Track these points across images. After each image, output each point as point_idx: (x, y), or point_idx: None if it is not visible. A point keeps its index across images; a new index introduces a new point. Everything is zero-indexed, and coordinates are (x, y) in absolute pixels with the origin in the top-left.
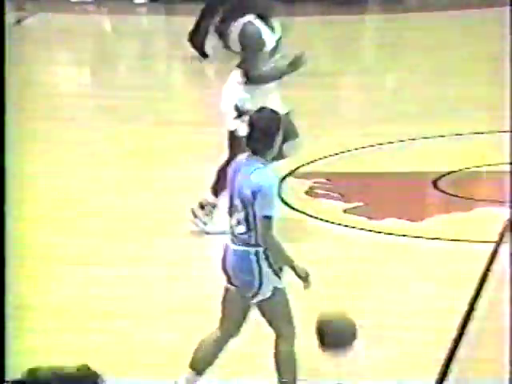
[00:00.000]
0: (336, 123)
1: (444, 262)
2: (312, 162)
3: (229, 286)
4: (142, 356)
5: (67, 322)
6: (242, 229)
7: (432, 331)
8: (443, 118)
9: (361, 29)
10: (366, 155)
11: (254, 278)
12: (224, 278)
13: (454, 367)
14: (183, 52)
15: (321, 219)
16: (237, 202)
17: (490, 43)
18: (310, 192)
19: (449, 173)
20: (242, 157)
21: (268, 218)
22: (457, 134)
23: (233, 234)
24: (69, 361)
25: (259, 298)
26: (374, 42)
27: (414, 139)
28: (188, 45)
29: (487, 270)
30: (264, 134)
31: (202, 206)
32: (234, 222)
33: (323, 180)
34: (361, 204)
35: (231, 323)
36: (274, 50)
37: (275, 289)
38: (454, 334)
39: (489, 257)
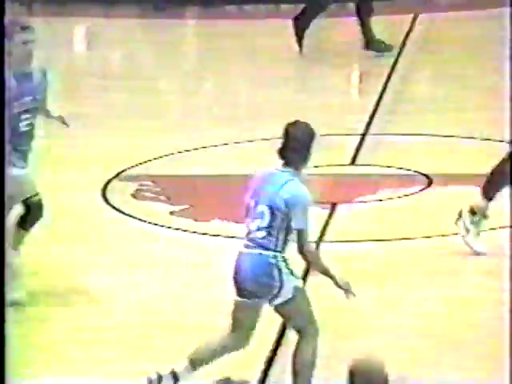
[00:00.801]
0: (160, 126)
1: None
2: (137, 165)
3: (239, 298)
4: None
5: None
6: (262, 234)
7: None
8: (267, 121)
9: (183, 33)
10: (191, 158)
11: (273, 281)
12: (234, 290)
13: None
14: None
15: (148, 222)
16: (263, 209)
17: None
18: (136, 195)
19: None
20: (273, 167)
21: (303, 230)
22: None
23: (250, 239)
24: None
25: (279, 300)
26: (195, 47)
27: (238, 142)
28: None
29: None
30: (301, 146)
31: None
32: (253, 227)
33: (149, 183)
34: (187, 206)
35: (243, 334)
36: None
37: (296, 289)
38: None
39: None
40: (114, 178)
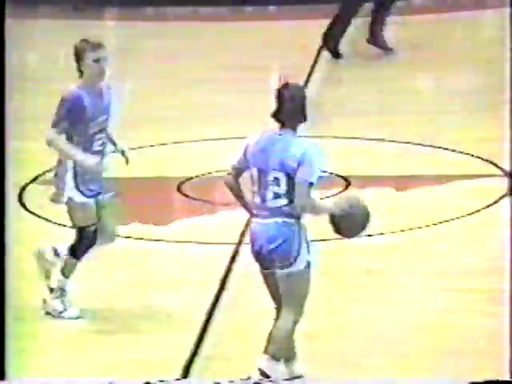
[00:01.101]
0: None
1: (189, 264)
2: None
3: (265, 270)
4: None
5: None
6: (283, 201)
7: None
8: (188, 124)
9: (102, 34)
10: (110, 160)
11: (292, 248)
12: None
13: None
14: None
15: (64, 225)
16: (277, 175)
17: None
18: (54, 198)
19: (192, 177)
20: (271, 132)
21: (311, 184)
22: (205, 140)
23: (266, 208)
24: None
25: (292, 269)
26: (115, 48)
27: (165, 144)
28: None
29: (229, 269)
30: (297, 107)
31: None
32: (269, 195)
33: None
34: None
35: (278, 302)
36: None
37: (308, 264)
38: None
39: (230, 256)
40: (32, 181)
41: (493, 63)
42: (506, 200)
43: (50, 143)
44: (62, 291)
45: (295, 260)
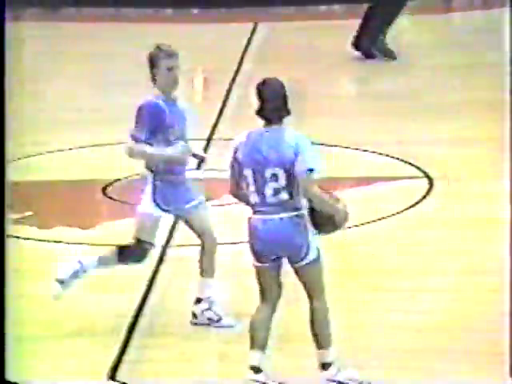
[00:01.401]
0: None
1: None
2: None
3: (263, 264)
4: None
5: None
6: (284, 196)
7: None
8: (109, 126)
9: (22, 35)
10: (34, 163)
11: (304, 240)
12: (254, 257)
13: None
14: None
15: None
16: (275, 171)
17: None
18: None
19: (117, 180)
20: (258, 130)
21: (311, 170)
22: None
23: (267, 204)
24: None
25: (307, 260)
26: (32, 50)
27: (83, 147)
28: None
29: (155, 271)
30: (280, 102)
31: None
32: (269, 192)
33: None
34: (30, 213)
35: (274, 295)
36: None
37: (318, 250)
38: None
39: (157, 258)
40: None
41: (415, 67)
42: (427, 201)
43: (131, 153)
44: (211, 302)
45: (308, 251)
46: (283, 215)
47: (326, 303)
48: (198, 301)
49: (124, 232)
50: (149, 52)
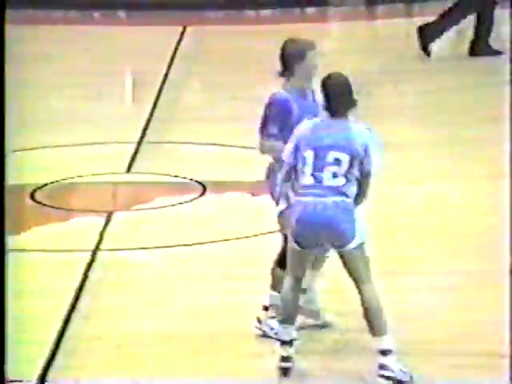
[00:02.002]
0: None
1: (45, 273)
2: None
3: (298, 248)
4: None
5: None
6: (341, 181)
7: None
8: (38, 130)
9: None
10: None
11: (353, 224)
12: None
13: None
14: None
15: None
16: (340, 156)
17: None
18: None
19: (45, 184)
20: (325, 119)
21: (370, 173)
22: (56, 146)
23: (322, 187)
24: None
25: (355, 243)
26: None
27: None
28: None
29: (85, 276)
30: (346, 95)
31: None
32: (327, 176)
33: None
34: None
35: (302, 273)
36: None
37: (362, 240)
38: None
39: (87, 263)
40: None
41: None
42: None
43: (262, 149)
44: (277, 309)
45: (354, 235)
46: (337, 198)
47: (375, 289)
48: (265, 308)
49: (53, 237)
50: (291, 45)
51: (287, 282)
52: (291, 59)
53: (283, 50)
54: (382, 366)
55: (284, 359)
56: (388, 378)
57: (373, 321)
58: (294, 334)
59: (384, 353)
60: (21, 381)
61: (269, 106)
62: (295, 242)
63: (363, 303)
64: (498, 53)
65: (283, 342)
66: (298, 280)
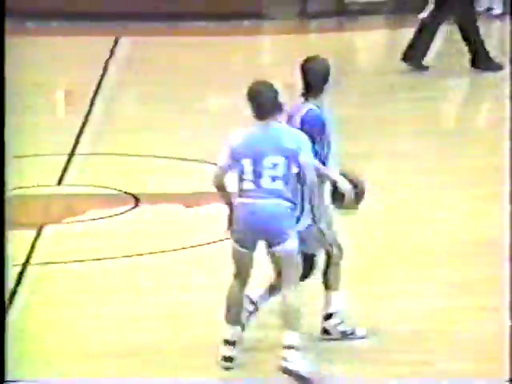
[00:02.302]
0: None
1: None
2: None
3: (243, 250)
4: None
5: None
6: (280, 184)
7: None
8: None
9: None
10: None
11: (289, 227)
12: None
13: None
14: None
15: None
16: (275, 160)
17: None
18: None
19: None
20: (255, 126)
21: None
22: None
23: (263, 191)
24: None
25: (287, 246)
26: None
27: None
28: None
29: (14, 290)
30: (273, 100)
31: None
32: (266, 180)
33: None
34: None
35: (246, 274)
36: None
37: (296, 246)
38: None
39: (16, 278)
40: None
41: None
42: None
43: (319, 172)
44: (342, 315)
45: (287, 238)
46: (278, 201)
47: (297, 295)
48: (329, 316)
49: None
50: (322, 63)
51: (232, 283)
52: (325, 77)
53: (314, 67)
54: (285, 359)
55: (226, 359)
56: (289, 370)
57: (287, 320)
58: (239, 336)
59: (289, 347)
60: None
61: (310, 122)
62: (236, 241)
63: (283, 305)
64: (499, 67)
65: (227, 342)
66: (242, 281)
